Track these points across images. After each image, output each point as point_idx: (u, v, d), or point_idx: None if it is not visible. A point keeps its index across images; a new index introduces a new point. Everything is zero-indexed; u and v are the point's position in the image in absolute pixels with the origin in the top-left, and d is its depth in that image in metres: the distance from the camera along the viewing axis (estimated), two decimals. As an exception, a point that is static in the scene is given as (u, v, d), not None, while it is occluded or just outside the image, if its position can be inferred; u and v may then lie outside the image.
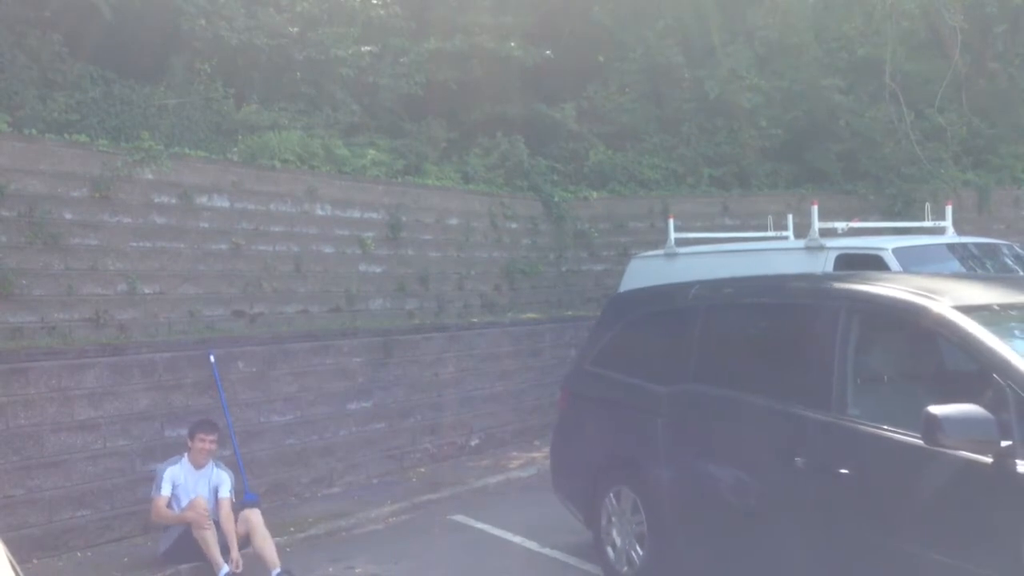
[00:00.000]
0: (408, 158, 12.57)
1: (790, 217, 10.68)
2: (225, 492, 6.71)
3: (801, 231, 9.96)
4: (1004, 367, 3.94)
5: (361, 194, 10.59)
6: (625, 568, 6.05)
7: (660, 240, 11.15)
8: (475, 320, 11.31)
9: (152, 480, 6.81)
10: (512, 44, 14.72)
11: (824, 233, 8.96)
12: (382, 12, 14.31)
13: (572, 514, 6.75)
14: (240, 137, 10.75)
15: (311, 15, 13.29)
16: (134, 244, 8.29)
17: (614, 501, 6.18)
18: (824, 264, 8.34)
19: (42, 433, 6.86)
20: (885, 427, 4.32)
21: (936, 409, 3.83)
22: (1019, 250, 8.91)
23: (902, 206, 13.74)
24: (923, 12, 15.29)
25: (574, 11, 16.64)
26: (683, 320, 5.91)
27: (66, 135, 8.43)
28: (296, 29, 12.79)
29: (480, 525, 7.82)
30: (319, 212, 10.04)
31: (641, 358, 6.31)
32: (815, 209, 9.04)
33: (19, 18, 10.49)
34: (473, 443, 10.53)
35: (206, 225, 8.91)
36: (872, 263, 7.91)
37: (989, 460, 3.83)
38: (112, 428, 7.26)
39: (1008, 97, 15.99)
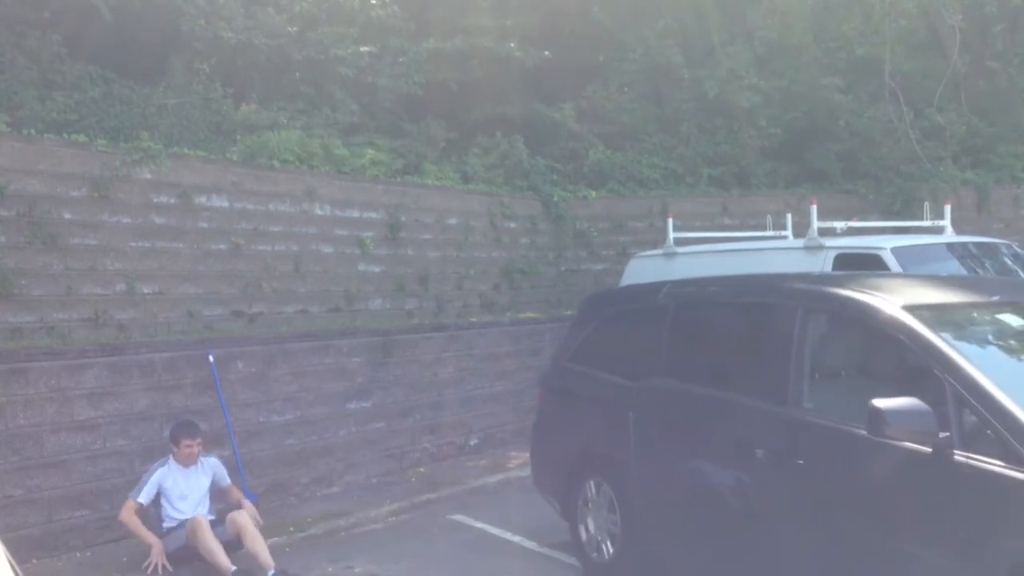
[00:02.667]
0: (407, 158, 12.56)
1: (789, 217, 10.68)
2: (227, 479, 6.84)
3: (800, 231, 9.95)
4: (943, 362, 4.22)
5: (360, 194, 10.59)
6: (598, 556, 6.30)
7: (659, 240, 11.15)
8: (474, 320, 11.32)
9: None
10: (512, 45, 14.70)
11: (823, 233, 8.95)
12: (381, 13, 14.30)
13: (550, 504, 6.96)
14: (239, 137, 10.75)
15: (310, 15, 13.27)
16: (133, 244, 8.29)
17: (589, 492, 6.42)
18: (823, 264, 8.34)
19: (41, 433, 6.87)
20: (837, 420, 4.59)
21: (880, 402, 4.08)
22: (1018, 249, 8.91)
23: (901, 205, 13.73)
24: (922, 11, 15.30)
25: (574, 11, 16.63)
26: (654, 318, 6.19)
27: (65, 135, 8.43)
28: (295, 29, 12.78)
29: (479, 525, 7.83)
30: (318, 212, 10.04)
31: (615, 354, 6.58)
32: (814, 209, 9.04)
33: (19, 18, 10.48)
34: (472, 443, 10.54)
35: (205, 225, 8.91)
36: (871, 263, 7.91)
37: (929, 450, 4.08)
38: (111, 428, 7.26)
39: (1007, 96, 15.98)
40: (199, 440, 6.76)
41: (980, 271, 8.23)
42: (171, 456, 6.75)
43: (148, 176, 8.44)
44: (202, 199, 8.89)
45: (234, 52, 11.99)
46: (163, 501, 6.66)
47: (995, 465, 3.87)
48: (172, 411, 7.62)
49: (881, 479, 4.34)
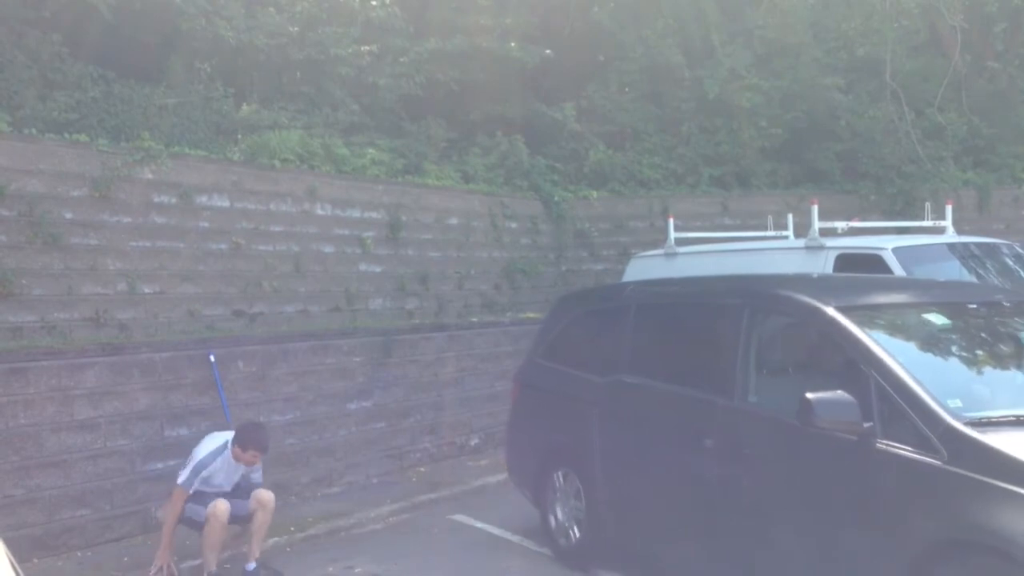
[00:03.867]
0: (408, 158, 12.57)
1: (790, 217, 10.67)
2: (260, 480, 6.70)
3: (801, 231, 9.95)
4: (868, 357, 4.57)
5: (361, 194, 10.59)
6: (566, 541, 6.62)
7: (660, 240, 11.15)
8: (475, 320, 11.31)
9: (166, 472, 6.80)
10: (512, 44, 14.71)
11: (824, 233, 8.95)
12: (381, 13, 14.30)
13: (523, 495, 7.27)
14: (240, 137, 10.75)
15: (311, 15, 13.27)
16: (134, 244, 8.29)
17: (557, 481, 6.76)
18: (824, 264, 8.34)
19: (42, 433, 6.86)
20: (777, 412, 4.93)
21: (810, 395, 4.41)
22: (1019, 249, 8.91)
23: (902, 205, 13.74)
24: (923, 11, 15.30)
25: (574, 11, 16.63)
26: (618, 317, 6.57)
27: (66, 135, 8.43)
28: (296, 29, 12.77)
29: (480, 525, 7.83)
30: (319, 212, 10.04)
31: (583, 351, 6.95)
32: (815, 209, 9.03)
33: (19, 18, 10.47)
34: (473, 443, 10.53)
35: (206, 225, 8.90)
36: (872, 263, 7.90)
37: (855, 439, 4.40)
38: (112, 428, 7.25)
39: (1008, 97, 15.99)
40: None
41: (981, 271, 8.23)
42: (229, 451, 6.49)
43: (149, 176, 8.43)
44: (203, 199, 8.89)
45: (235, 52, 11.99)
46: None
47: (910, 451, 4.21)
48: (173, 411, 7.61)
49: (814, 467, 4.68)
